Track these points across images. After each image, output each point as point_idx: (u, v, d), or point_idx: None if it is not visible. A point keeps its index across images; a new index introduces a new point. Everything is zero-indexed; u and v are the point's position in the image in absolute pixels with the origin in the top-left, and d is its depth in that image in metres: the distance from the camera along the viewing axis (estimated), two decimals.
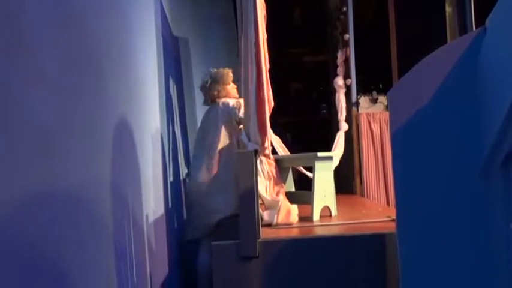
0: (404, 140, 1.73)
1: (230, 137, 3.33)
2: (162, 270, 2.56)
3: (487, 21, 1.57)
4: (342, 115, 3.83)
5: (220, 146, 3.30)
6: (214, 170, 3.28)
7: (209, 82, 3.50)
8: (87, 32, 1.34)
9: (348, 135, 4.02)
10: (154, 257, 2.26)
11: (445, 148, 1.68)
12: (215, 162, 3.29)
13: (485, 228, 1.63)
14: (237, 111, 3.27)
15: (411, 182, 1.74)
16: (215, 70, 3.55)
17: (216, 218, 3.21)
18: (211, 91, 3.48)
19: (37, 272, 0.89)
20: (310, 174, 3.08)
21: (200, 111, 4.42)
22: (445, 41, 2.05)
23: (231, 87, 3.52)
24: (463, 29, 1.93)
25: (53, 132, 1.00)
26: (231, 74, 3.55)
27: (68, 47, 1.15)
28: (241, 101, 3.22)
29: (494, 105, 1.51)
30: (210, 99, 3.51)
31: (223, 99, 3.41)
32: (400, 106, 1.72)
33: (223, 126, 3.32)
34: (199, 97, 4.41)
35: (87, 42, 1.33)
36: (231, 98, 3.44)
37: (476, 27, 1.84)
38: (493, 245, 1.62)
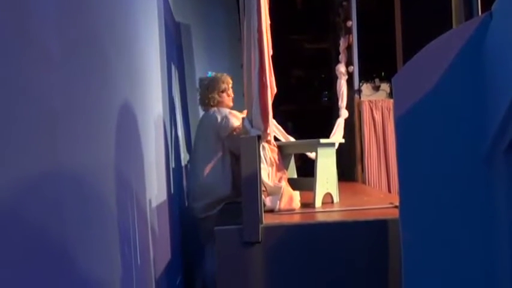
0: (408, 126, 1.72)
1: (218, 148, 3.25)
2: (165, 255, 2.57)
3: (493, 7, 1.55)
4: (343, 102, 3.82)
5: (207, 156, 3.25)
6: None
7: (204, 87, 3.40)
8: (91, 15, 1.33)
9: (350, 122, 4.02)
10: (157, 242, 2.28)
11: (449, 134, 1.68)
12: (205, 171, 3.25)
13: (488, 216, 1.64)
14: (223, 129, 3.19)
15: (414, 168, 1.74)
16: (213, 74, 3.45)
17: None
18: (205, 97, 3.39)
19: (41, 254, 0.89)
20: (313, 155, 3.09)
21: None
22: (451, 28, 2.03)
23: (227, 96, 3.40)
24: (469, 14, 1.91)
25: (57, 115, 1.00)
26: (229, 80, 3.43)
27: (72, 29, 1.15)
28: (230, 114, 3.21)
29: (500, 91, 1.50)
30: (204, 104, 3.43)
31: (214, 110, 3.30)
32: (404, 91, 1.72)
33: (211, 138, 3.25)
34: None
35: (91, 25, 1.33)
36: (224, 108, 3.34)
37: (482, 13, 1.82)
38: (495, 232, 1.62)
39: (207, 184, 3.21)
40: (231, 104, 3.44)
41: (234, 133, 3.18)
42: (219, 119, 3.22)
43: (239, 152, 3.13)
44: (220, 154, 3.23)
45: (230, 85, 3.43)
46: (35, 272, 0.85)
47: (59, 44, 1.03)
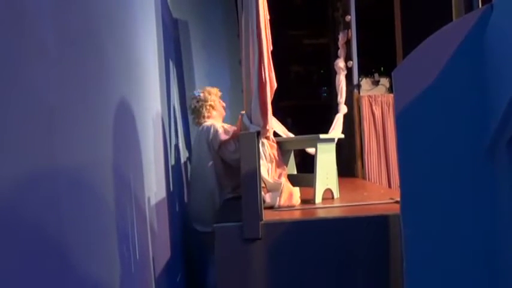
0: (408, 119, 1.70)
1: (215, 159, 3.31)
2: (165, 253, 2.56)
3: None
4: (342, 97, 3.80)
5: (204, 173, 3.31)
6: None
7: (198, 105, 3.49)
8: (88, 10, 1.31)
9: (349, 117, 4.00)
10: (157, 240, 2.26)
11: (451, 128, 1.66)
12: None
13: (491, 209, 1.62)
14: (214, 143, 3.25)
15: (415, 163, 1.72)
16: (200, 92, 3.52)
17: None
18: (196, 115, 3.51)
19: (39, 252, 0.87)
20: (312, 151, 3.08)
21: None
22: (451, 20, 2.01)
23: (217, 109, 3.50)
24: (470, 7, 1.89)
25: (54, 111, 0.98)
26: (216, 93, 3.53)
27: (69, 25, 1.13)
28: (221, 127, 3.26)
29: (501, 84, 1.49)
30: (197, 121, 3.52)
31: (206, 124, 3.39)
32: (405, 85, 1.70)
33: (208, 151, 3.30)
34: (199, 81, 4.38)
35: (88, 21, 1.31)
36: (216, 121, 3.43)
37: (482, 5, 1.80)
38: (498, 225, 1.61)
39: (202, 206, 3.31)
40: (223, 112, 3.55)
41: (223, 146, 3.25)
42: (211, 134, 3.29)
43: (231, 161, 3.18)
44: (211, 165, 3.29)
45: (218, 96, 3.53)
46: (33, 270, 0.84)
47: (56, 40, 1.01)
